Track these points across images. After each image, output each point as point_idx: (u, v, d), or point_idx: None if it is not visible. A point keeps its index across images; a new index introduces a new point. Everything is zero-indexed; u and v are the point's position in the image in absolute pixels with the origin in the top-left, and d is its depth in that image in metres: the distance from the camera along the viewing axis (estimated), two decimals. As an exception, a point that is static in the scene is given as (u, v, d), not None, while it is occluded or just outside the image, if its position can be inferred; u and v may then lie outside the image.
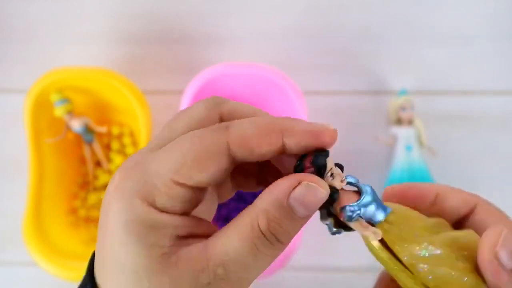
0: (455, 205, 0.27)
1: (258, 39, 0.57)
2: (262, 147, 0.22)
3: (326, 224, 0.24)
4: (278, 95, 0.50)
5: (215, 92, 0.51)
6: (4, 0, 0.59)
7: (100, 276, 0.23)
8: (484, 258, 0.23)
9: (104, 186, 0.56)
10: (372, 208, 0.24)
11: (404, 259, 0.23)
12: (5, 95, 0.58)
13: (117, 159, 0.55)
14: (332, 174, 0.23)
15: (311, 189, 0.22)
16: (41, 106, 0.50)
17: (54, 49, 0.58)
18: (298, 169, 0.23)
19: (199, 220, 0.24)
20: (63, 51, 0.58)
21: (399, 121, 0.54)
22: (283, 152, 0.23)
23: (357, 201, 0.24)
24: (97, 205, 0.55)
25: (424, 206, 0.27)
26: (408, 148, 0.53)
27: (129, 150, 0.55)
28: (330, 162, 0.23)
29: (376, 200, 0.24)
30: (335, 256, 0.56)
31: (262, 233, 0.22)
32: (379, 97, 0.56)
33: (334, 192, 0.23)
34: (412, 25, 0.57)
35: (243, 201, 0.54)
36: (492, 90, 0.56)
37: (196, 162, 0.22)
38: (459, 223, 0.28)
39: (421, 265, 0.23)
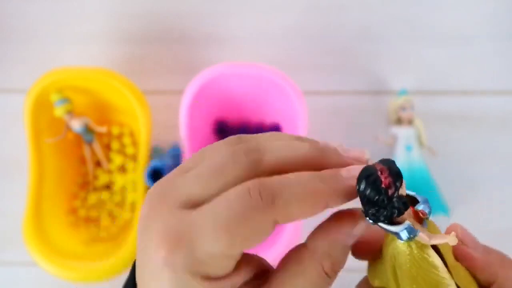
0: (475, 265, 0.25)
1: (258, 39, 0.57)
2: (306, 215, 0.23)
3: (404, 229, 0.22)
4: (278, 95, 0.50)
5: (215, 92, 0.51)
6: (4, 0, 0.59)
7: None
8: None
9: (104, 186, 0.56)
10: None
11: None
12: (5, 95, 0.58)
13: (117, 159, 0.55)
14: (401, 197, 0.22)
15: (364, 229, 0.23)
16: (41, 106, 0.50)
17: (54, 49, 0.58)
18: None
19: (248, 262, 0.24)
20: (63, 51, 0.58)
21: (399, 121, 0.54)
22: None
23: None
24: (97, 205, 0.55)
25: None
26: (408, 148, 0.53)
27: (129, 150, 0.55)
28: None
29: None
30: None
31: (328, 276, 0.23)
32: (379, 97, 0.56)
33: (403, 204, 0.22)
34: (412, 25, 0.57)
35: None
36: (492, 90, 0.56)
37: (246, 242, 0.22)
38: None
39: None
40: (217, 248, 0.22)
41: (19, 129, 0.53)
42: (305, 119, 0.48)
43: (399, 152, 0.53)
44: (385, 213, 0.21)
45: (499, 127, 0.56)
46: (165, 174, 0.49)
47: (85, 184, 0.56)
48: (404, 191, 0.22)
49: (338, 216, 0.23)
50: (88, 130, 0.53)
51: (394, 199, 0.21)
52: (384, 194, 0.21)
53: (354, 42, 0.57)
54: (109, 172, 0.55)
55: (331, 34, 0.57)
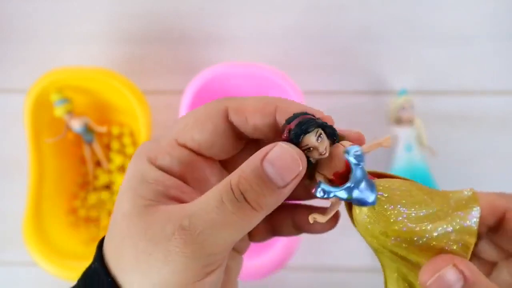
0: (481, 215, 0.25)
1: (258, 39, 0.57)
2: (256, 116, 0.24)
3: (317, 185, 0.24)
4: (278, 94, 0.50)
5: (215, 92, 0.51)
6: (4, 0, 0.59)
7: (107, 231, 0.25)
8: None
9: (104, 186, 0.56)
10: (356, 193, 0.24)
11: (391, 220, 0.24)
12: (5, 95, 0.58)
13: (117, 159, 0.55)
14: (308, 149, 0.23)
15: (283, 153, 0.22)
16: (41, 106, 0.50)
17: (54, 49, 0.58)
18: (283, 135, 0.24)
19: (194, 191, 0.25)
20: (63, 51, 0.58)
21: (399, 121, 0.54)
22: (276, 129, 0.25)
23: (337, 186, 0.24)
24: (97, 205, 0.55)
25: (488, 224, 0.26)
26: (408, 148, 0.53)
27: (129, 150, 0.55)
28: (310, 137, 0.23)
29: (365, 182, 0.24)
30: (334, 256, 0.56)
31: (231, 188, 0.22)
32: (379, 97, 0.56)
33: (311, 164, 0.24)
34: (412, 25, 0.57)
35: None
36: (492, 90, 0.56)
37: (197, 123, 0.25)
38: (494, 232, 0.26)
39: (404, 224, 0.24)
40: (174, 129, 0.25)
41: (19, 129, 0.53)
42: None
43: (399, 152, 0.53)
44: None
45: (499, 127, 0.56)
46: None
47: (85, 184, 0.56)
48: (314, 154, 0.24)
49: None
50: (88, 130, 0.53)
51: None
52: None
53: (354, 42, 0.57)
54: (109, 172, 0.55)
55: (331, 34, 0.57)
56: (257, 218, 0.23)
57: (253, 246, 0.52)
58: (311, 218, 0.25)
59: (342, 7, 0.57)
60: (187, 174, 0.25)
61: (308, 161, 0.24)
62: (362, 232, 0.25)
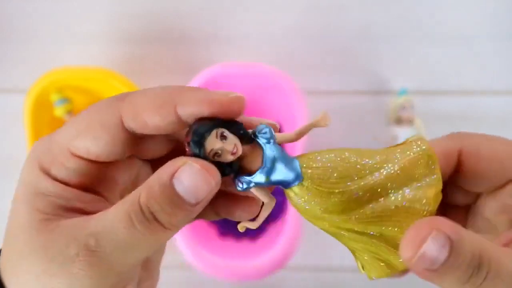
0: (488, 170, 0.24)
1: (258, 39, 0.57)
2: (155, 119, 0.21)
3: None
4: (278, 94, 0.50)
5: None
6: (4, 0, 0.59)
7: (3, 242, 0.23)
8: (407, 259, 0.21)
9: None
10: (275, 175, 0.22)
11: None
12: (5, 95, 0.58)
13: (117, 159, 0.55)
14: (216, 153, 0.21)
15: (193, 171, 0.20)
16: (41, 106, 0.50)
17: (54, 49, 0.58)
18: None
19: (98, 199, 0.23)
20: (63, 51, 0.58)
21: (399, 121, 0.54)
22: (183, 124, 0.22)
23: (250, 174, 0.22)
24: (97, 205, 0.55)
25: (447, 170, 0.25)
26: (408, 148, 0.53)
27: (129, 150, 0.55)
28: (211, 141, 0.21)
29: (281, 160, 0.22)
30: (335, 256, 0.56)
31: (140, 207, 0.20)
32: (379, 97, 0.56)
33: (226, 167, 0.22)
34: (412, 25, 0.57)
35: None
36: (492, 90, 0.56)
37: (90, 132, 0.22)
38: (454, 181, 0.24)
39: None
40: (66, 134, 0.22)
41: (19, 128, 0.53)
42: (305, 120, 0.48)
43: (399, 152, 0.53)
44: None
45: (499, 127, 0.56)
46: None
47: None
48: (226, 157, 0.21)
49: (173, 160, 0.21)
50: (88, 130, 0.53)
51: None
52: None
53: (354, 42, 0.57)
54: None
55: (331, 34, 0.57)
56: (169, 236, 0.21)
57: (253, 246, 0.52)
58: (240, 227, 0.23)
59: (342, 7, 0.57)
60: (88, 183, 0.22)
61: (228, 166, 0.22)
62: (305, 216, 0.23)
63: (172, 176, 0.20)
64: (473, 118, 0.56)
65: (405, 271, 0.24)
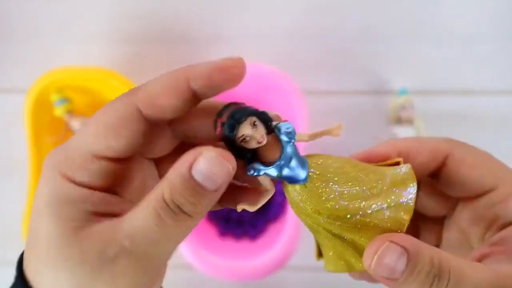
0: (421, 160, 0.26)
1: (258, 39, 0.57)
2: (171, 100, 0.22)
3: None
4: (278, 94, 0.50)
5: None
6: (5, 0, 0.59)
7: (26, 256, 0.24)
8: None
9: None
10: (287, 171, 0.24)
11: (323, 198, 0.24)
12: (5, 95, 0.58)
13: (117, 159, 0.55)
14: (244, 139, 0.22)
15: (210, 159, 0.21)
16: (41, 106, 0.51)
17: (54, 49, 0.58)
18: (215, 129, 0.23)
19: (121, 200, 0.23)
20: (63, 51, 0.58)
21: (399, 121, 0.54)
22: (199, 100, 0.23)
23: (265, 164, 0.24)
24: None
25: (431, 170, 0.26)
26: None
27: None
28: (245, 127, 0.22)
29: (296, 159, 0.24)
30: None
31: (166, 203, 0.21)
32: (379, 97, 0.56)
33: (245, 153, 0.23)
34: (412, 25, 0.57)
35: None
36: (492, 90, 0.56)
37: (109, 130, 0.22)
38: (438, 176, 0.26)
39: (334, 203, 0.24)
40: (84, 138, 0.22)
41: (19, 128, 0.53)
42: (305, 119, 0.48)
43: (399, 152, 0.53)
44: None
45: (499, 127, 0.56)
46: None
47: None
48: (252, 144, 0.23)
49: (190, 151, 0.22)
50: (88, 130, 0.53)
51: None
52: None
53: (354, 42, 0.57)
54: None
55: (331, 34, 0.57)
56: (196, 223, 0.22)
57: (253, 246, 0.52)
58: (239, 207, 0.24)
59: (342, 7, 0.57)
60: (113, 184, 0.23)
61: (246, 152, 0.23)
62: (295, 210, 0.25)
63: (190, 167, 0.21)
64: (473, 118, 0.56)
65: (361, 274, 0.27)
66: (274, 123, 0.24)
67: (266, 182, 0.24)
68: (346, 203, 0.24)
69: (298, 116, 0.48)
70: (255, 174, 0.24)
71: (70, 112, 0.51)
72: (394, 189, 0.24)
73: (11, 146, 0.57)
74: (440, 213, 0.28)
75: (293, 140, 0.24)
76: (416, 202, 0.24)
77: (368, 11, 0.57)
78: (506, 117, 0.56)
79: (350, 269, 0.26)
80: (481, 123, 0.56)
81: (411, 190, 0.24)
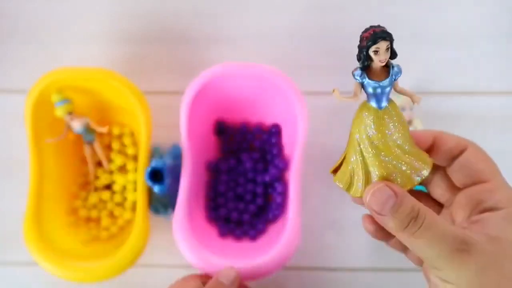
0: (449, 146, 0.34)
1: (258, 39, 0.57)
2: None
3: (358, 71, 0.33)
4: (278, 95, 0.50)
5: (215, 92, 0.51)
6: (5, 1, 0.59)
7: None
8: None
9: (105, 186, 0.56)
10: (378, 91, 0.33)
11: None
12: (5, 95, 0.58)
13: (117, 159, 0.55)
14: (376, 51, 0.33)
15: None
16: (41, 107, 0.51)
17: (54, 50, 0.58)
18: None
19: None
20: (64, 52, 0.58)
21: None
22: None
23: (370, 78, 0.33)
24: (98, 206, 0.55)
25: (424, 148, 0.34)
26: (408, 148, 0.53)
27: (130, 150, 0.55)
28: (384, 44, 0.33)
29: (388, 91, 0.33)
30: (335, 256, 0.56)
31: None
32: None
33: (366, 60, 0.34)
34: (412, 25, 0.57)
35: (241, 200, 0.54)
36: (492, 91, 0.56)
37: None
38: (452, 160, 0.34)
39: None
40: None
41: (19, 129, 0.53)
42: (305, 120, 0.48)
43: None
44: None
45: (499, 128, 0.56)
46: (165, 174, 0.49)
47: (86, 184, 0.56)
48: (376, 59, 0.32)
49: None
50: (88, 130, 0.53)
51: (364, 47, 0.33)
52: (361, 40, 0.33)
53: (354, 42, 0.57)
54: (110, 172, 0.56)
55: (331, 34, 0.57)
56: None
57: (253, 246, 0.52)
58: (336, 96, 0.33)
59: (342, 8, 0.57)
60: None
61: (367, 60, 0.33)
62: (356, 122, 0.34)
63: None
64: (473, 118, 0.56)
65: (359, 200, 0.33)
66: (393, 62, 0.33)
67: (357, 89, 0.34)
68: (390, 143, 0.32)
69: (298, 117, 0.48)
70: (358, 78, 0.34)
71: (71, 113, 0.51)
72: (416, 164, 0.32)
73: (11, 147, 0.58)
74: (442, 198, 0.35)
75: (396, 78, 0.33)
76: (425, 184, 0.35)
77: (368, 12, 0.57)
78: (506, 118, 0.56)
79: (348, 189, 0.33)
80: (480, 123, 0.56)
81: (424, 173, 0.32)
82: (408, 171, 0.32)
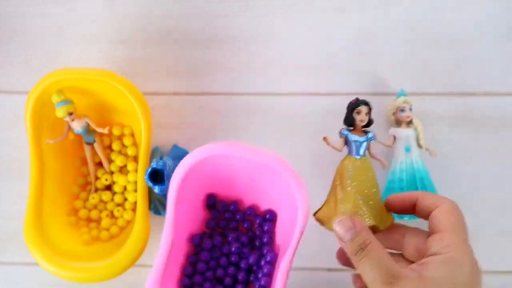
0: (427, 204, 0.41)
1: (258, 40, 0.57)
2: None
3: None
4: (276, 181, 0.46)
5: (209, 168, 0.47)
6: (5, 2, 0.59)
7: None
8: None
9: (105, 187, 0.56)
10: (357, 145, 0.45)
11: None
12: (6, 96, 0.59)
13: (118, 160, 0.55)
14: (358, 111, 0.45)
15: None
16: (42, 107, 0.51)
17: (55, 51, 0.58)
18: None
19: None
20: (64, 53, 0.58)
21: (398, 123, 0.54)
22: None
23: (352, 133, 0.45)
24: (98, 206, 0.56)
25: (408, 206, 0.42)
26: (407, 149, 0.53)
27: (130, 150, 0.55)
28: (364, 108, 0.45)
29: (365, 147, 0.45)
30: (334, 256, 0.56)
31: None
32: (379, 98, 0.56)
33: (350, 117, 0.45)
34: (412, 26, 0.57)
35: (220, 283, 0.49)
36: (492, 92, 0.56)
37: None
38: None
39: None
40: None
41: (20, 130, 0.53)
42: (305, 209, 0.44)
43: (398, 153, 0.53)
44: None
45: (499, 128, 0.56)
46: (165, 174, 0.49)
47: (86, 185, 0.56)
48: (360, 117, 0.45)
49: None
50: (89, 131, 0.53)
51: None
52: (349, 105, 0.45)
53: (354, 43, 0.57)
54: (110, 172, 0.56)
55: (331, 35, 0.57)
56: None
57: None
58: (327, 138, 0.46)
59: (342, 8, 0.57)
60: None
61: (351, 118, 0.45)
62: (339, 169, 0.44)
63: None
64: (472, 119, 0.56)
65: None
66: (369, 130, 0.45)
67: (342, 143, 0.45)
68: (363, 186, 0.43)
69: (298, 206, 0.44)
70: (344, 132, 0.45)
71: (71, 114, 0.51)
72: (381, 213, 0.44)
73: (12, 148, 0.58)
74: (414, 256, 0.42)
75: (370, 139, 0.45)
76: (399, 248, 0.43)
77: (368, 12, 0.57)
78: (506, 118, 0.56)
79: (325, 223, 0.43)
80: (480, 124, 0.56)
81: (368, 222, 0.42)
82: (373, 212, 0.42)
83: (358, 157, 0.44)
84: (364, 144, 0.44)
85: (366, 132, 0.45)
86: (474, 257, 0.37)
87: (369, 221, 0.41)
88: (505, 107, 0.56)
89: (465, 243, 0.38)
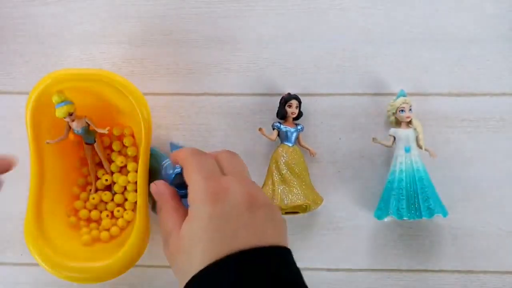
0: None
1: (258, 40, 0.58)
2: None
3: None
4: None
5: None
6: (6, 2, 0.59)
7: None
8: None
9: (105, 187, 0.56)
10: (289, 134, 0.53)
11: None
12: (6, 96, 0.59)
13: (118, 160, 0.55)
14: (289, 105, 0.53)
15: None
16: (42, 108, 0.51)
17: (55, 51, 0.58)
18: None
19: None
20: (64, 53, 0.58)
21: (398, 123, 0.54)
22: None
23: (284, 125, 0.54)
24: (99, 206, 0.56)
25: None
26: (407, 150, 0.53)
27: (130, 151, 0.55)
28: (294, 102, 0.54)
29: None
30: (334, 256, 0.56)
31: None
32: (379, 98, 0.56)
33: (282, 111, 0.53)
34: (412, 26, 0.57)
35: None
36: (491, 92, 0.56)
37: None
38: None
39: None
40: None
41: (20, 130, 0.53)
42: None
43: (398, 153, 0.53)
44: None
45: (499, 129, 0.56)
46: (164, 175, 0.49)
47: (87, 185, 0.56)
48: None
49: None
50: (89, 131, 0.53)
51: None
52: None
53: (354, 43, 0.57)
54: (111, 173, 0.56)
55: (331, 35, 0.57)
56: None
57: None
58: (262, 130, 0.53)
59: (342, 9, 0.57)
60: None
61: (283, 111, 0.53)
62: (275, 156, 0.52)
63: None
64: (473, 119, 0.56)
65: None
66: (298, 122, 0.53)
67: (275, 134, 0.53)
68: (296, 170, 0.52)
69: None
70: (275, 125, 0.53)
71: (72, 114, 0.51)
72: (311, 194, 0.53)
73: (12, 148, 0.57)
74: None
75: (299, 130, 0.53)
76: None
77: (368, 12, 0.57)
78: (505, 119, 0.56)
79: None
80: (480, 124, 0.56)
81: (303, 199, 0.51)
82: (305, 192, 0.51)
83: (291, 144, 0.52)
84: (295, 134, 0.52)
85: (296, 124, 0.53)
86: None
87: (303, 200, 0.49)
88: (505, 107, 0.56)
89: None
